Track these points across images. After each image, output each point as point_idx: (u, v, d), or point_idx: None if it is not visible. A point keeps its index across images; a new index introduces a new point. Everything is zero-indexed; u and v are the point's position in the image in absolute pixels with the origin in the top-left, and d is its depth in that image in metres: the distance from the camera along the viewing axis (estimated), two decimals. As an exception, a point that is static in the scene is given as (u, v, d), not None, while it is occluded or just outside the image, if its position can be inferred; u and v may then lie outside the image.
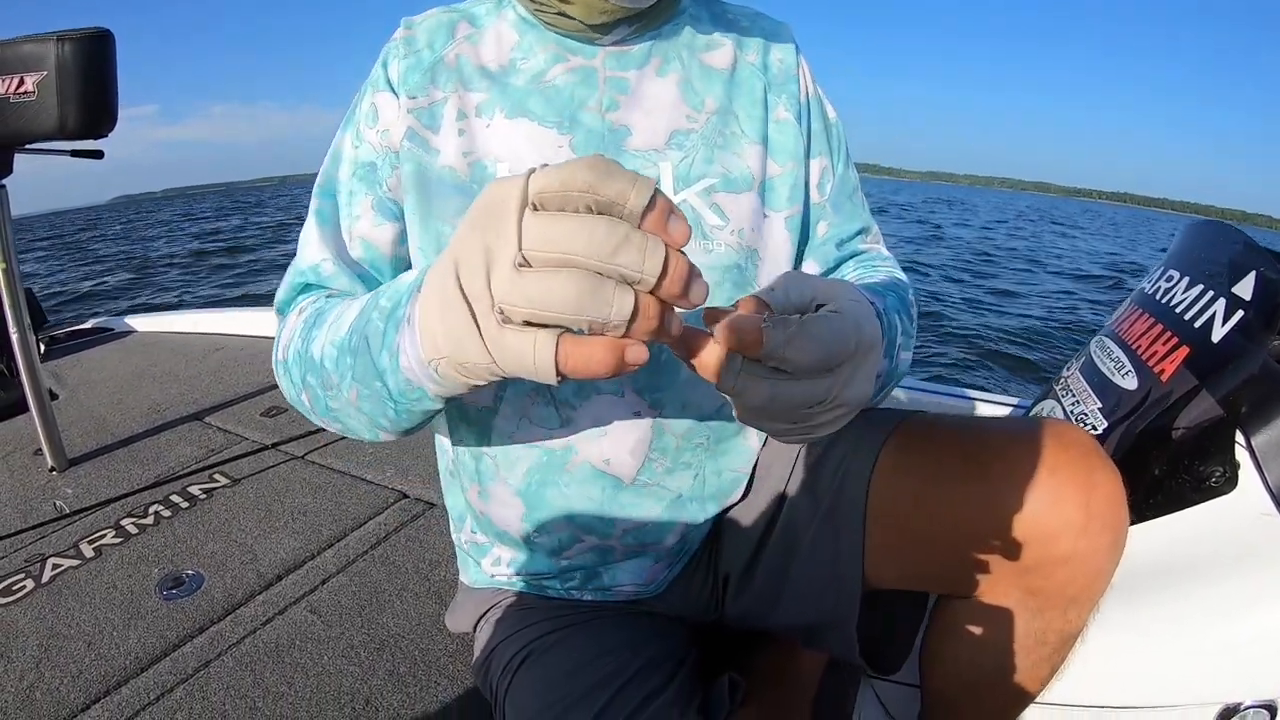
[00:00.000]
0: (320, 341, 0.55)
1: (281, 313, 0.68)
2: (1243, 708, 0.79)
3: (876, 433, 0.69)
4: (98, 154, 1.49)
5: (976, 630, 0.69)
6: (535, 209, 0.35)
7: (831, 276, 0.74)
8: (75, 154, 1.50)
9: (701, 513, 0.73)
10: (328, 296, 0.65)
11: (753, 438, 0.76)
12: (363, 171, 0.67)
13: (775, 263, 0.69)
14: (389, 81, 0.67)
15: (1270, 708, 0.79)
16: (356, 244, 0.67)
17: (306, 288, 0.67)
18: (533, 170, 0.35)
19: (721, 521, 0.79)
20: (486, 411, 0.67)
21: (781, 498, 0.74)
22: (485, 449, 0.69)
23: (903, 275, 0.72)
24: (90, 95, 1.30)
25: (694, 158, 0.66)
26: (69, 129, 1.31)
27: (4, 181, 1.40)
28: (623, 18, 0.64)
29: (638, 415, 0.66)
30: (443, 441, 0.78)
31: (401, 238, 0.68)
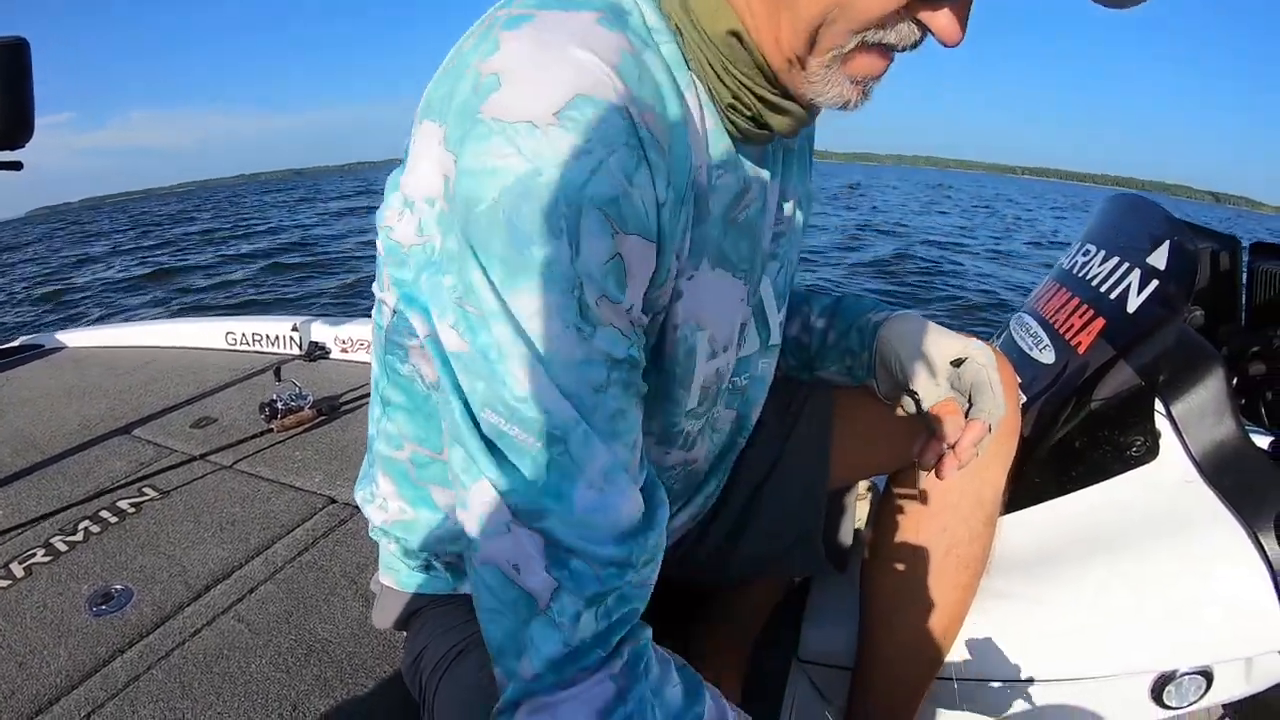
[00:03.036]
0: None
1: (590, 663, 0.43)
2: (1178, 674, 0.80)
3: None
4: (16, 165, 1.45)
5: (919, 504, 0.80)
6: None
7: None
8: (-9, 165, 1.47)
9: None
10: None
11: None
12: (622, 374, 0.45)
13: None
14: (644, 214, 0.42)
15: (1205, 673, 0.80)
16: None
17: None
18: None
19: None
20: None
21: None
22: None
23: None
24: (5, 105, 1.28)
25: (787, 267, 0.65)
26: None
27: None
28: None
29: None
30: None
31: None
